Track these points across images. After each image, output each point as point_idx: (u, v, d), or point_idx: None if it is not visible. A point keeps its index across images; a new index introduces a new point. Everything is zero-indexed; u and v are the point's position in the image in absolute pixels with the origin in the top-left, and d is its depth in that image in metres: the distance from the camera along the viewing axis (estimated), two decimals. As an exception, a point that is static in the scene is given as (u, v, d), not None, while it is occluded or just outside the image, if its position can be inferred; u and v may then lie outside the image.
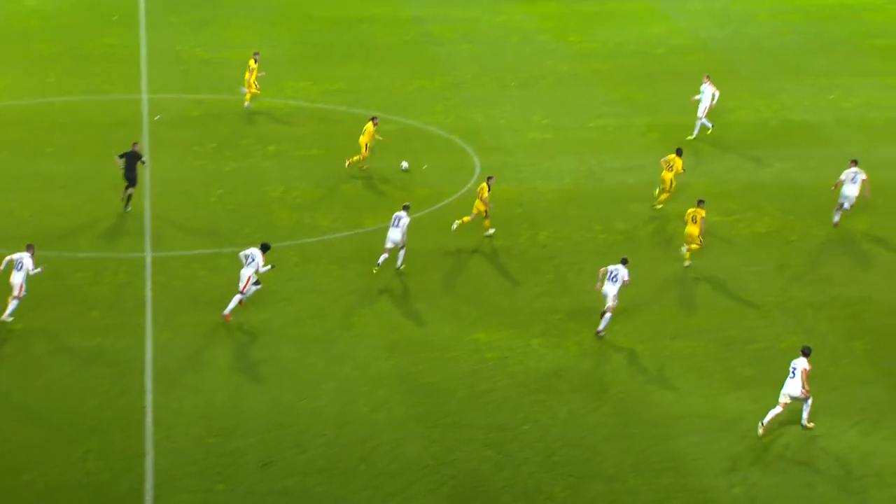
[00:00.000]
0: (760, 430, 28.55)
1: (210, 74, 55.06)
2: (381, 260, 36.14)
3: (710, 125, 47.29)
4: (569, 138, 47.87)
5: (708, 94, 46.65)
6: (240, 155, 45.63)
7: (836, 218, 38.75)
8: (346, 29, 64.81)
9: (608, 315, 32.61)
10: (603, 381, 30.83)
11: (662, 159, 40.94)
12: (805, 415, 28.87)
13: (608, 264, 35.90)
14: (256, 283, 33.59)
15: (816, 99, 51.95)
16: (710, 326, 33.16)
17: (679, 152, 40.81)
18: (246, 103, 49.78)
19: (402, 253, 36.26)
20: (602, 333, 32.71)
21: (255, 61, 49.34)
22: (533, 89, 54.51)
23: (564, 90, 53.87)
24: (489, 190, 38.21)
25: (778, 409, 28.61)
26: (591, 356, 31.85)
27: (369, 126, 43.23)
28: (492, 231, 38.58)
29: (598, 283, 32.70)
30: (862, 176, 38.61)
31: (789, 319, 33.41)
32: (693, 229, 36.17)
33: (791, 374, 28.69)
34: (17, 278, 32.96)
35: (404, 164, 43.72)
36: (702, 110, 46.77)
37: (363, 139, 43.19)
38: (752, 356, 31.65)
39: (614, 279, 32.61)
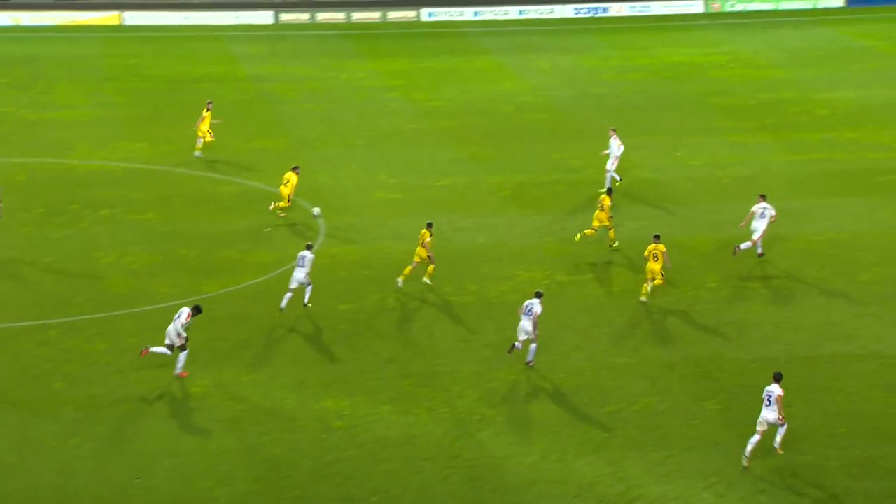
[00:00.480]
0: (745, 463, 29.28)
1: (36, 136, 53.91)
2: (283, 303, 37.02)
3: (619, 178, 48.02)
4: (418, 197, 47.87)
5: (615, 147, 47.56)
6: (69, 221, 44.57)
7: (743, 246, 40.59)
8: (181, 88, 64.17)
9: (533, 346, 34.03)
10: (455, 448, 30.58)
11: (599, 200, 41.91)
12: (778, 439, 29.67)
13: (459, 326, 35.79)
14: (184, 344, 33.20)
15: (664, 157, 52.90)
16: (563, 389, 33.18)
17: (609, 192, 42.50)
18: (196, 152, 50.76)
19: (308, 290, 37.23)
20: (532, 363, 34.08)
21: (208, 109, 50.86)
22: (380, 148, 54.51)
23: (412, 148, 54.00)
24: (430, 236, 38.70)
25: (756, 438, 29.43)
26: (442, 422, 31.60)
27: (292, 176, 44.00)
28: (428, 281, 38.86)
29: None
30: (771, 211, 40.46)
31: (642, 380, 33.63)
32: (654, 266, 37.73)
33: (766, 402, 29.52)
34: None
35: (315, 210, 44.39)
36: (610, 163, 47.69)
37: (285, 190, 43.89)
38: (606, 419, 31.73)
39: (529, 314, 33.80)
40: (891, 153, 52.77)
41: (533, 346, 34.19)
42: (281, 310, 37.09)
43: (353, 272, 40.64)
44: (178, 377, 33.52)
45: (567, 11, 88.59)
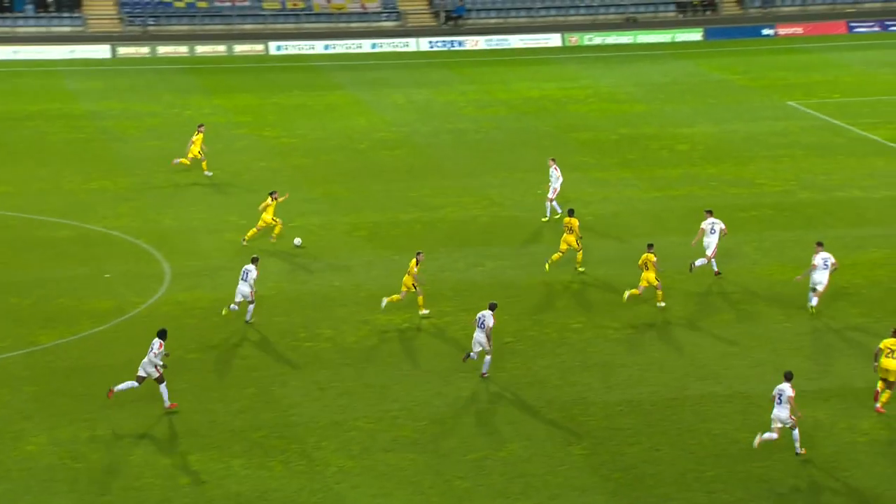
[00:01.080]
0: (756, 443, 31.60)
1: None
2: (231, 306, 39.27)
3: (559, 210, 48.76)
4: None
5: (556, 177, 48.89)
6: None
7: (698, 262, 42.71)
8: (10, 127, 62.83)
9: (488, 358, 35.85)
10: (312, 503, 30.15)
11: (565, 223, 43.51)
12: (797, 445, 31.63)
13: (315, 373, 35.42)
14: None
15: (525, 194, 53.27)
16: (424, 437, 33.01)
17: (571, 213, 43.97)
18: (207, 172, 53.75)
19: (251, 308, 39.19)
20: (486, 374, 35.95)
21: (199, 132, 53.93)
22: (228, 188, 53.94)
23: (262, 188, 53.57)
24: (418, 265, 39.34)
25: (772, 435, 31.45)
26: (298, 476, 31.15)
27: (270, 202, 45.63)
28: (426, 312, 39.60)
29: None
30: (720, 226, 42.74)
31: (507, 426, 33.59)
32: (649, 274, 40.41)
33: (777, 400, 31.35)
34: None
35: (297, 241, 45.72)
36: (552, 192, 48.94)
37: (266, 216, 45.48)
38: (470, 467, 31.62)
39: (482, 325, 35.53)
40: (752, 188, 53.88)
41: (488, 357, 35.86)
42: (229, 309, 39.41)
43: (202, 319, 40.02)
44: (170, 409, 33.87)
45: (422, 45, 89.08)
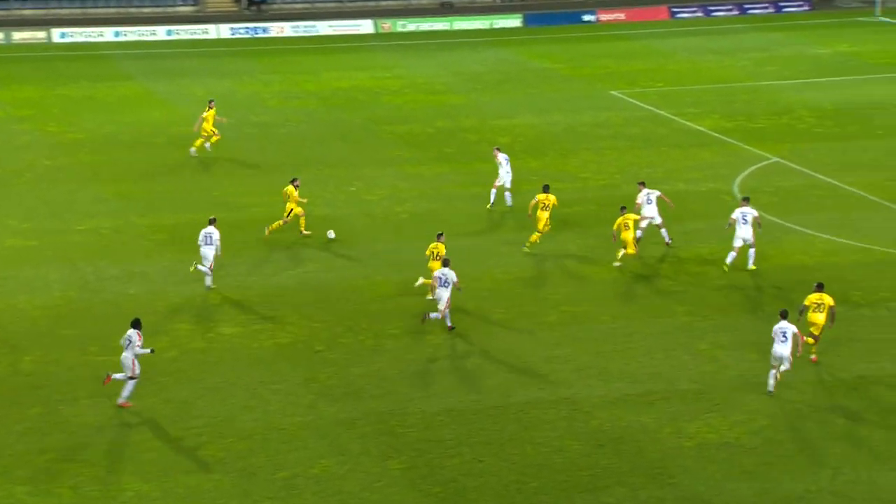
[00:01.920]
0: (771, 389, 34.96)
1: None
2: (199, 267, 42.03)
3: (492, 201, 50.50)
4: (56, 244, 46.36)
5: (504, 164, 50.34)
6: None
7: (638, 234, 45.08)
8: None
9: (435, 315, 39.19)
10: (106, 531, 29.54)
11: (538, 200, 45.54)
12: (780, 377, 35.12)
13: (109, 391, 34.74)
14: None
15: (337, 191, 53.12)
16: (230, 455, 32.59)
17: (546, 188, 46.19)
18: (194, 150, 56.47)
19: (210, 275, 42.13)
20: (452, 328, 39.33)
21: (211, 108, 56.59)
22: (8, 188, 52.63)
23: (47, 188, 52.33)
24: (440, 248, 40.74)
25: (774, 372, 34.96)
26: (90, 502, 30.49)
27: (291, 189, 46.75)
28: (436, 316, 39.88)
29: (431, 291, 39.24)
30: (656, 193, 45.56)
31: (319, 441, 33.41)
32: (627, 235, 43.75)
33: (782, 338, 34.71)
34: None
35: (330, 234, 46.91)
36: (501, 181, 50.40)
37: (290, 204, 46.63)
38: (280, 487, 31.33)
39: (446, 284, 38.86)
40: (576, 183, 54.60)
41: (444, 313, 39.07)
42: (195, 266, 42.21)
43: (-20, 332, 38.92)
44: (122, 406, 34.29)
45: (223, 32, 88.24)
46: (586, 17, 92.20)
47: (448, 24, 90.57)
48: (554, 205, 45.80)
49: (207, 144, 57.20)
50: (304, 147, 60.00)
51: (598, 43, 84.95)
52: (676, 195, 52.50)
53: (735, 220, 43.78)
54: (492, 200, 50.72)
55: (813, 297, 37.00)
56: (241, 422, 34.29)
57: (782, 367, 35.25)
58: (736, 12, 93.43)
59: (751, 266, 44.14)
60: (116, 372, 34.78)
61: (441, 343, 39.03)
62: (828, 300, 36.88)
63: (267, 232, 47.14)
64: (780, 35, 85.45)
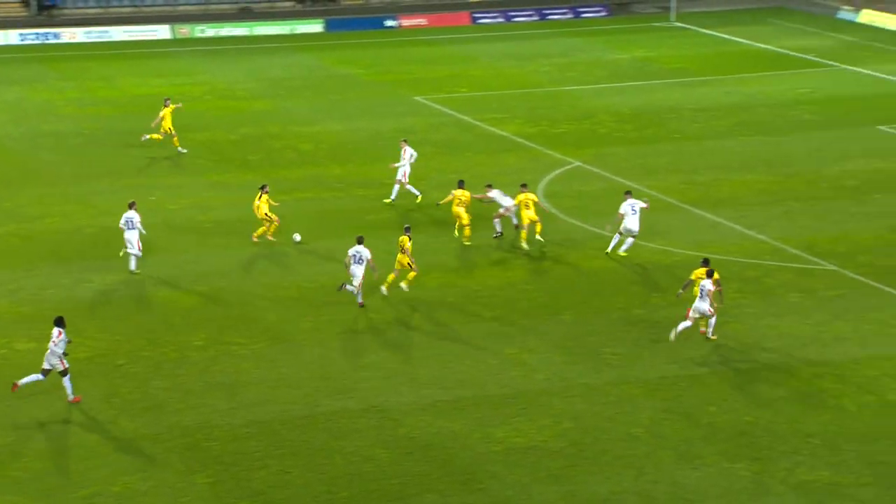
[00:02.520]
0: (672, 337, 38.82)
1: None
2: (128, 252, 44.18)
3: (417, 192, 52.44)
4: None
5: (407, 157, 51.87)
6: None
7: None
8: None
9: (351, 287, 41.70)
10: None
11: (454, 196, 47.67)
12: (710, 330, 39.26)
13: None
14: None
15: (138, 201, 52.33)
16: (26, 476, 31.96)
17: (461, 184, 48.28)
18: (180, 149, 58.55)
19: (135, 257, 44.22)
20: (362, 304, 41.71)
21: (166, 106, 57.95)
22: None
23: None
24: (410, 241, 42.26)
25: (687, 324, 38.81)
26: None
27: (264, 196, 47.43)
28: (404, 287, 42.39)
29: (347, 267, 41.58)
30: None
31: (121, 457, 32.96)
32: (529, 214, 46.68)
33: (700, 295, 38.60)
34: None
35: (296, 237, 47.80)
36: (402, 174, 52.00)
37: (261, 211, 47.20)
38: (82, 505, 30.89)
39: (360, 261, 41.24)
40: (380, 189, 54.83)
41: (360, 290, 41.68)
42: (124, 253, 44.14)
43: None
44: (74, 402, 35.13)
45: (11, 38, 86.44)
46: (388, 23, 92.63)
47: (248, 29, 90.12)
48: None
49: (145, 136, 58.82)
50: (100, 156, 59.13)
51: (400, 48, 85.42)
52: (477, 202, 53.07)
53: (624, 214, 46.11)
54: (393, 196, 52.86)
55: (699, 272, 39.50)
56: (37, 441, 33.67)
57: (711, 321, 39.26)
58: (536, 18, 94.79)
59: (623, 252, 46.45)
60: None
61: (247, 354, 38.86)
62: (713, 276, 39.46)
63: (255, 238, 47.93)
64: (580, 41, 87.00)
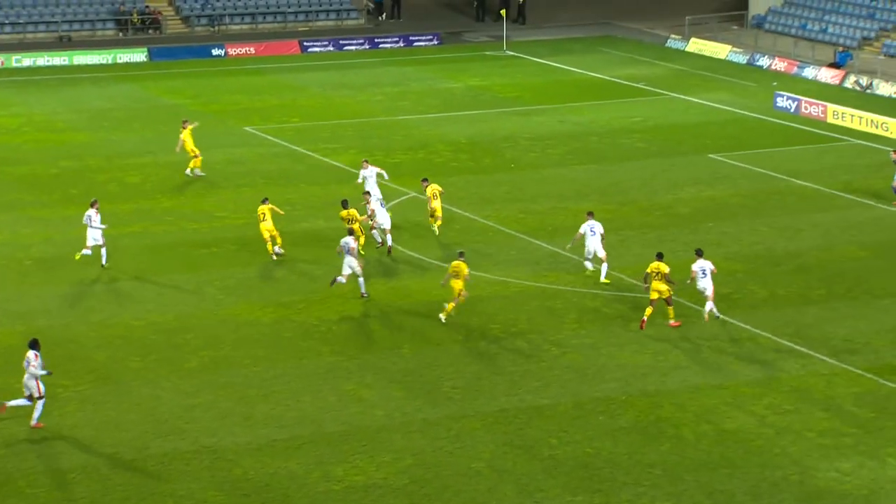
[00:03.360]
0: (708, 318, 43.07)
1: None
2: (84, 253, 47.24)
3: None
4: None
5: (371, 178, 53.10)
6: None
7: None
8: None
9: (361, 280, 45.80)
10: None
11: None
12: (712, 307, 43.13)
13: None
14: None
15: (-47, 238, 51.21)
16: None
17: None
18: (197, 171, 60.08)
19: (104, 251, 47.51)
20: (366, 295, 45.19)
21: (185, 127, 59.60)
22: None
23: None
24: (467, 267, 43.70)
25: (711, 306, 43.09)
26: None
27: (265, 210, 49.67)
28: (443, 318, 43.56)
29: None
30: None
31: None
32: (435, 205, 50.70)
33: (702, 274, 42.99)
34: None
35: (277, 250, 49.54)
36: (378, 194, 51.99)
37: (267, 226, 49.41)
38: None
39: (349, 252, 44.91)
40: (213, 222, 54.24)
41: (361, 280, 45.16)
42: (82, 254, 47.01)
43: None
44: (35, 428, 35.43)
45: None
46: (215, 52, 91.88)
47: (67, 58, 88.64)
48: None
49: (194, 171, 60.32)
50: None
51: (228, 77, 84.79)
52: (315, 233, 52.87)
53: (584, 234, 47.39)
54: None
55: (654, 266, 42.82)
56: None
57: (710, 298, 43.09)
58: (367, 46, 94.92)
59: (603, 280, 47.24)
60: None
61: (71, 396, 38.01)
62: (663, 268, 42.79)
63: (275, 256, 49.66)
64: (412, 69, 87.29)
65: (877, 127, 70.04)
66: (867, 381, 39.70)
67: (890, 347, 42.11)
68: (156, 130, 70.01)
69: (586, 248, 47.68)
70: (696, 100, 78.09)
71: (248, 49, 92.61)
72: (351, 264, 44.85)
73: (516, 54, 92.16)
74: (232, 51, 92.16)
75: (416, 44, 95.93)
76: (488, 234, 53.15)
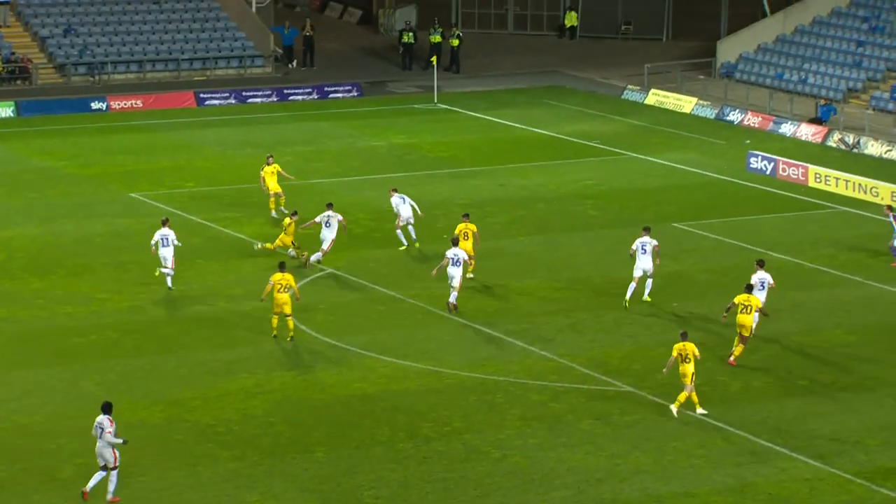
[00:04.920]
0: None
1: None
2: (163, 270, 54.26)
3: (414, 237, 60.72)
4: None
5: (403, 202, 60.81)
6: None
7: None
8: None
9: (316, 256, 57.32)
10: None
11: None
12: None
13: None
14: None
15: None
16: None
17: (281, 266, 51.59)
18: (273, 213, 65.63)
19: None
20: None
21: (269, 164, 65.77)
22: None
23: None
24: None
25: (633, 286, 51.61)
26: None
27: (290, 224, 57.97)
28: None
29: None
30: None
31: None
32: (466, 244, 55.11)
33: (643, 251, 52.34)
34: None
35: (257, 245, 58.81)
36: (409, 216, 60.83)
37: (286, 237, 58.11)
38: None
39: (329, 224, 55.72)
40: (91, 305, 53.98)
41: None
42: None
43: None
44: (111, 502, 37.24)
45: None
46: (95, 105, 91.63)
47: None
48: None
49: (278, 211, 65.23)
50: None
51: (111, 135, 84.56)
52: (214, 318, 52.74)
53: (635, 251, 53.34)
54: (404, 241, 60.96)
55: (742, 298, 47.58)
56: None
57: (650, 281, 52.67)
58: (275, 98, 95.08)
59: (646, 298, 53.91)
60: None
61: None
62: (755, 301, 48.00)
63: (306, 264, 57.34)
64: (329, 125, 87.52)
65: (865, 192, 70.92)
66: (857, 487, 39.96)
67: (883, 448, 42.44)
68: (25, 198, 69.70)
69: (636, 267, 53.54)
70: (657, 160, 78.75)
71: (134, 102, 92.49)
72: (326, 238, 56.30)
73: (449, 107, 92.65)
74: (115, 104, 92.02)
75: (332, 95, 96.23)
76: (417, 316, 53.18)
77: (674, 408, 44.13)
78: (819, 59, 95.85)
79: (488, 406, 45.11)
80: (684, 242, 62.73)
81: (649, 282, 53.91)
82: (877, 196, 69.96)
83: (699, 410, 44.26)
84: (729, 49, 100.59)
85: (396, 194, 61.36)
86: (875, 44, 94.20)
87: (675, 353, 44.14)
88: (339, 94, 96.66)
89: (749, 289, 48.37)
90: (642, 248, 53.41)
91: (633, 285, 53.51)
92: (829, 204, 70.22)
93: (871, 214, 67.02)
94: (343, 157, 79.55)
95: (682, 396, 44.17)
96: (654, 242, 53.56)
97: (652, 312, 53.55)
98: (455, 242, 54.01)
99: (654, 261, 53.52)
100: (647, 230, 54.16)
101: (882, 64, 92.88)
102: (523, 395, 45.90)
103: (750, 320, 47.66)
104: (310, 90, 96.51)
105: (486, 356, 49.30)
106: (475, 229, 56.13)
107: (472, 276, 56.06)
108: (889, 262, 58.67)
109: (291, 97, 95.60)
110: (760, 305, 48.25)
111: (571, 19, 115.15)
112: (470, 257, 54.92)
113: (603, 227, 65.55)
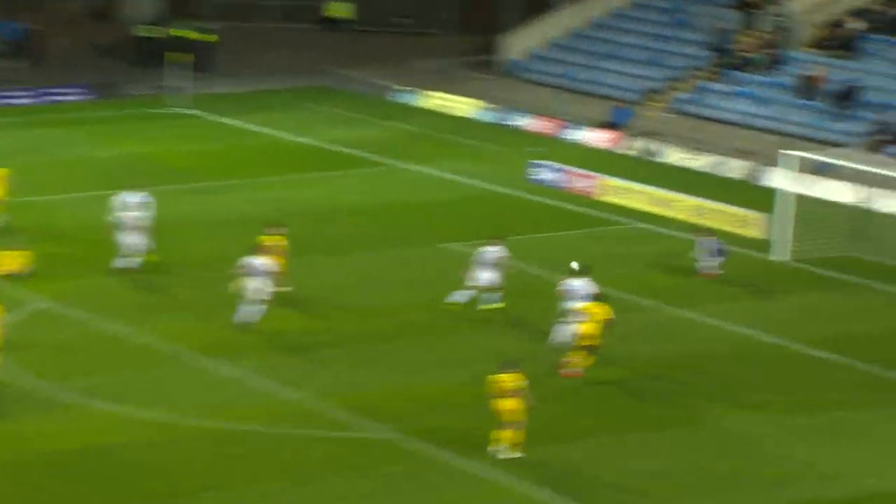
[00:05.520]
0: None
1: None
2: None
3: None
4: None
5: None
6: None
7: None
8: None
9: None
10: None
11: None
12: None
13: None
14: None
15: None
16: None
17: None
18: None
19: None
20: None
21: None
22: None
23: None
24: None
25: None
26: None
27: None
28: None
29: None
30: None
31: None
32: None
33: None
34: None
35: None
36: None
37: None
38: None
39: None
40: None
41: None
42: None
43: None
44: None
45: None
46: None
47: None
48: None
49: None
50: None
51: None
52: None
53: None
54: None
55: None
56: None
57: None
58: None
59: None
60: None
61: None
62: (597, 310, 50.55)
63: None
64: (53, 132, 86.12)
65: (663, 205, 71.39)
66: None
67: (670, 499, 42.36)
68: None
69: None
70: (427, 170, 78.90)
71: None
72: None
73: (195, 112, 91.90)
74: None
75: (56, 98, 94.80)
76: (145, 355, 52.04)
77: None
78: (615, 55, 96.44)
79: (226, 460, 44.08)
80: (451, 266, 61.84)
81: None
82: (676, 209, 70.51)
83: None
84: (515, 45, 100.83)
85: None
86: (678, 39, 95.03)
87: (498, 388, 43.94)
88: (66, 98, 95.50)
89: (597, 298, 51.17)
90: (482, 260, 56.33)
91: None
92: (621, 219, 70.71)
93: (669, 231, 67.50)
94: (74, 168, 78.12)
95: (506, 435, 43.78)
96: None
97: (427, 343, 53.17)
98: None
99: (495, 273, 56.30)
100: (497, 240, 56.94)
101: (683, 61, 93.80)
102: (261, 446, 44.92)
103: (592, 329, 50.16)
104: (32, 93, 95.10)
105: (220, 400, 48.17)
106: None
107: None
108: (690, 282, 59.19)
109: (9, 102, 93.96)
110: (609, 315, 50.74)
111: (341, 10, 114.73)
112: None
113: (365, 249, 65.24)
